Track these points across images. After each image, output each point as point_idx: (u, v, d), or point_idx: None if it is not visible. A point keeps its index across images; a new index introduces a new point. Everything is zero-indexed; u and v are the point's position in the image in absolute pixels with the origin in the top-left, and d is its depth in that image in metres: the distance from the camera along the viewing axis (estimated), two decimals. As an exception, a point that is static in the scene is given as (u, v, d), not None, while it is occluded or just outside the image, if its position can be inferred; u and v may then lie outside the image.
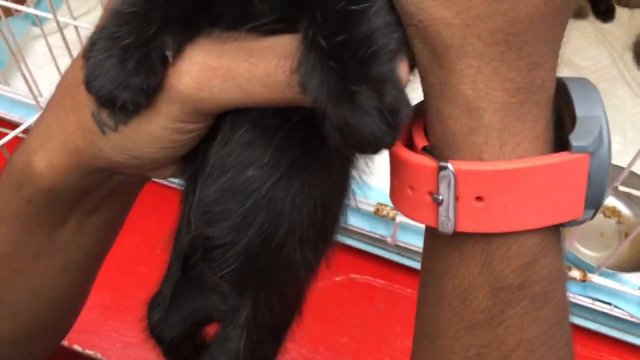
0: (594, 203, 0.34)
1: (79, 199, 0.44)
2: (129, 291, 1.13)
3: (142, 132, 0.38)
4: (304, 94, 0.32)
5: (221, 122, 0.39)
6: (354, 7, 0.30)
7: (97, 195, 0.45)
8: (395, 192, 0.38)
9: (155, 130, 0.38)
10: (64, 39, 0.90)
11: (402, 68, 0.32)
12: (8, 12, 1.08)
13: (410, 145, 0.37)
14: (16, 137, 0.86)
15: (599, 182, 0.33)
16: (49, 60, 1.08)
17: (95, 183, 0.43)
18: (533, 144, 0.33)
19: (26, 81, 0.89)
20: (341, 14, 0.31)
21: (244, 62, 0.34)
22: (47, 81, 1.14)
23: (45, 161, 0.41)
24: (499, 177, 0.33)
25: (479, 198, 0.33)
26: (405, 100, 0.31)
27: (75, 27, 0.94)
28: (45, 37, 0.98)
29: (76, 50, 1.00)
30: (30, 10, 0.95)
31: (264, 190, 0.39)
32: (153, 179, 0.51)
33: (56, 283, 0.50)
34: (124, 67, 0.35)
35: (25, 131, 0.90)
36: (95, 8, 1.38)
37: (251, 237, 0.40)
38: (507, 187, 0.33)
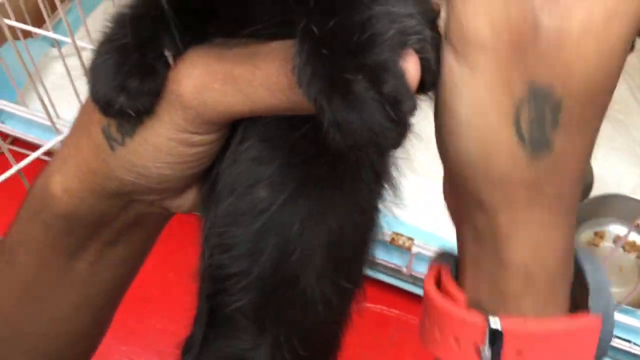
0: (599, 356, 0.36)
1: (97, 227, 0.43)
2: (141, 316, 1.12)
3: (148, 145, 0.37)
4: (302, 92, 0.29)
5: (231, 138, 0.37)
6: None
7: (116, 226, 0.44)
8: (434, 340, 0.38)
9: (161, 143, 0.36)
10: (82, 62, 0.90)
11: (409, 62, 0.29)
12: (27, 33, 1.09)
13: (438, 283, 0.39)
14: (37, 159, 0.86)
15: (606, 339, 0.36)
16: (67, 82, 1.08)
17: (112, 211, 0.42)
18: (563, 305, 0.36)
19: (43, 104, 0.89)
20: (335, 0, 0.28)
21: (246, 64, 0.33)
22: (65, 102, 1.14)
23: (61, 184, 0.40)
24: (541, 335, 0.34)
25: (519, 351, 0.34)
26: (408, 91, 0.28)
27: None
28: (63, 59, 0.98)
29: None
30: (49, 34, 0.96)
31: (272, 211, 0.36)
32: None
33: (74, 315, 0.49)
34: (121, 69, 0.33)
35: (47, 154, 0.90)
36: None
37: (264, 265, 0.38)
38: (544, 343, 0.35)
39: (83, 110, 0.41)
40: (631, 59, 1.26)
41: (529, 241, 0.33)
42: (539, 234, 0.33)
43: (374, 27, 0.27)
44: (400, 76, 0.28)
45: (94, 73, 0.35)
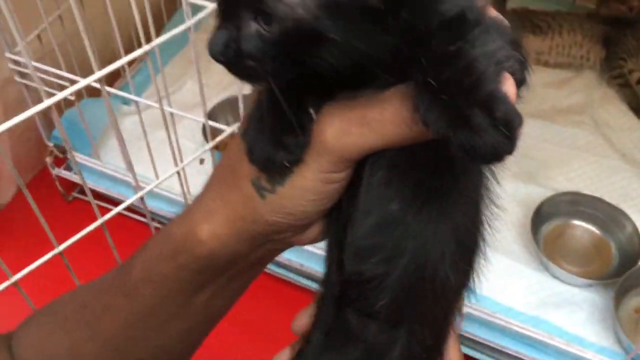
0: None
1: (227, 266, 0.48)
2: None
3: (296, 188, 0.43)
4: (427, 128, 0.36)
5: (361, 175, 0.44)
6: (451, 47, 0.35)
7: (244, 264, 0.49)
8: None
9: (307, 184, 0.42)
10: (167, 125, 0.96)
11: (506, 85, 0.35)
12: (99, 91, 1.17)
13: None
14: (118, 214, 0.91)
15: None
16: (134, 137, 1.15)
17: (246, 251, 0.47)
18: None
19: (129, 163, 0.95)
20: (442, 55, 0.35)
21: (374, 108, 0.39)
22: (133, 156, 1.21)
23: (208, 232, 0.46)
24: None
25: None
26: (514, 111, 0.34)
27: (171, 113, 1.00)
28: (140, 116, 1.04)
29: (169, 128, 1.07)
30: (131, 96, 1.02)
31: (408, 220, 0.43)
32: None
33: (179, 341, 0.54)
34: (275, 130, 0.41)
35: (127, 209, 0.95)
36: (180, 89, 1.47)
37: (405, 266, 0.44)
38: None
39: (222, 170, 0.48)
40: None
41: None
42: None
43: (477, 69, 0.34)
44: (506, 100, 0.35)
45: (249, 139, 0.43)
